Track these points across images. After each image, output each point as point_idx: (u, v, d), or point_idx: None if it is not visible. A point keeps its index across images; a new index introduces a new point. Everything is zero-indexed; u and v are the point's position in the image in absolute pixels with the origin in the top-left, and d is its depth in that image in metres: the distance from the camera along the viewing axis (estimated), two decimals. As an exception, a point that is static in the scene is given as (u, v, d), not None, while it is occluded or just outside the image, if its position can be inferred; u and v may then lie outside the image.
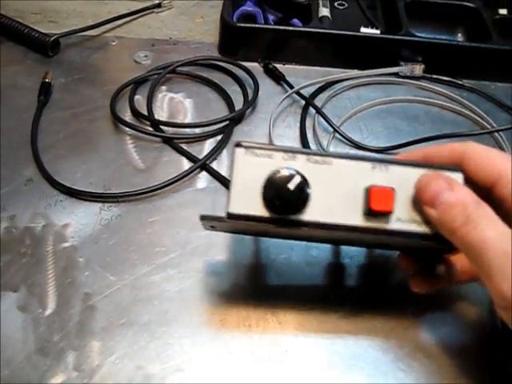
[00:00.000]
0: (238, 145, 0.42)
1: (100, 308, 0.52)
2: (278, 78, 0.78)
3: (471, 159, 0.44)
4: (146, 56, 0.80)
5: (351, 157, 0.43)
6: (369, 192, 0.41)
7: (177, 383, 0.48)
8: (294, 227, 0.42)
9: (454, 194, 0.40)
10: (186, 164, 0.66)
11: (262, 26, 0.81)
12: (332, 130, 0.70)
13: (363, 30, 0.83)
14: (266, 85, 0.78)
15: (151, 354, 0.49)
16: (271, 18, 0.85)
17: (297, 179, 0.41)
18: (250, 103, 0.73)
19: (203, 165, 0.65)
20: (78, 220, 0.59)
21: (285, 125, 0.73)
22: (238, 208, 0.42)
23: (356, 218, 0.42)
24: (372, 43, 0.80)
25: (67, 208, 0.60)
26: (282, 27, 0.80)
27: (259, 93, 0.75)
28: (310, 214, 0.42)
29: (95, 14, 0.88)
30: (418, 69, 0.80)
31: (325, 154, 0.43)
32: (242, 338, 0.51)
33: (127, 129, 0.70)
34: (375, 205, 0.41)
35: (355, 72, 0.79)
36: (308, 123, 0.73)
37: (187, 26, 0.87)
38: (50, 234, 0.58)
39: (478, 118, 0.75)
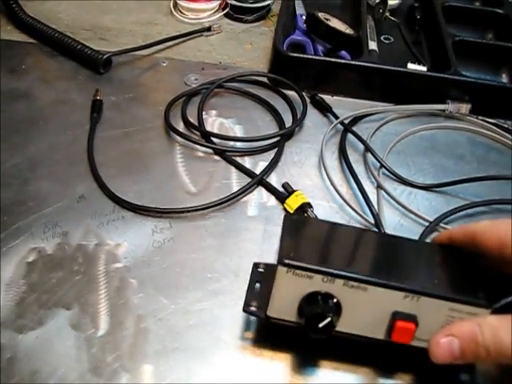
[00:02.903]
0: (281, 263, 0.45)
1: (153, 331, 0.52)
2: (325, 109, 0.79)
3: (478, 233, 0.47)
4: (196, 79, 0.81)
5: (386, 285, 0.45)
6: (393, 323, 0.46)
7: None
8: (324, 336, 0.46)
9: (458, 339, 0.43)
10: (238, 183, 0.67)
11: (312, 56, 0.82)
12: (379, 165, 0.70)
13: (410, 66, 0.83)
14: (313, 115, 0.78)
15: (204, 380, 0.49)
16: (320, 48, 0.85)
17: (328, 317, 0.45)
18: (301, 119, 0.75)
19: (260, 180, 0.66)
20: (131, 241, 0.59)
21: (332, 156, 0.73)
22: (274, 313, 0.48)
23: (380, 334, 0.47)
24: (420, 80, 0.81)
25: (119, 228, 0.60)
26: (333, 59, 0.80)
27: (305, 121, 0.76)
28: (340, 326, 0.46)
29: (145, 34, 0.89)
30: (465, 108, 0.80)
31: (362, 279, 0.45)
32: (309, 373, 0.51)
33: (178, 146, 0.71)
34: (396, 337, 0.46)
35: (401, 106, 0.79)
36: (355, 156, 0.73)
37: (236, 51, 0.88)
38: (102, 252, 0.58)
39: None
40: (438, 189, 0.69)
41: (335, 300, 0.46)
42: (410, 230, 0.62)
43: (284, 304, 0.47)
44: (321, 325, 0.45)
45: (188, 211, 0.62)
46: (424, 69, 0.82)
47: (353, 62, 0.81)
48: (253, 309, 0.50)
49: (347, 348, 0.50)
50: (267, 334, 0.52)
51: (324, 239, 0.51)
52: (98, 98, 0.75)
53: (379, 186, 0.68)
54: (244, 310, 0.50)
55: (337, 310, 0.46)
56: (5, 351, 0.50)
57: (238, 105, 0.78)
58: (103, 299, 0.54)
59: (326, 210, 0.65)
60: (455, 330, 0.44)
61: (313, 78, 0.81)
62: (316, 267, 0.45)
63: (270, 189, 0.66)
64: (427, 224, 0.63)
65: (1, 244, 0.58)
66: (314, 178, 0.69)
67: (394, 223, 0.64)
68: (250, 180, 0.66)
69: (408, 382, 0.50)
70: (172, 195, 0.64)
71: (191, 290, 0.55)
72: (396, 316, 0.46)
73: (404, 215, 0.66)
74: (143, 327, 0.52)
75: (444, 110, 0.80)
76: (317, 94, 0.80)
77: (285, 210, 0.63)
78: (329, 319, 0.45)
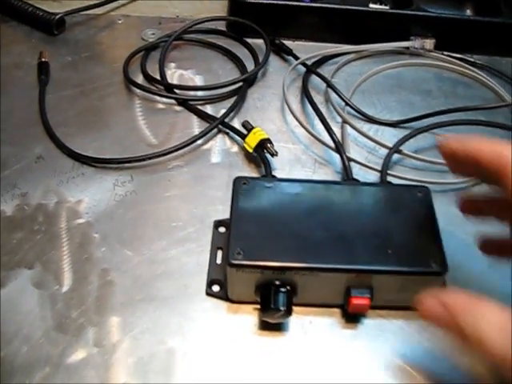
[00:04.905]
0: (230, 264, 0.45)
1: (119, 283, 0.51)
2: (286, 53, 0.78)
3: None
4: (153, 34, 0.79)
5: (336, 269, 0.46)
6: (348, 299, 0.46)
7: (199, 357, 0.47)
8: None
9: (443, 307, 0.39)
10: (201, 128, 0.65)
11: (271, 1, 0.79)
12: (344, 104, 0.69)
13: (372, 5, 0.81)
14: (275, 61, 0.78)
15: (173, 329, 0.48)
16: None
17: (280, 310, 0.46)
18: (263, 64, 0.73)
19: (222, 122, 0.65)
20: (92, 196, 0.58)
21: (296, 99, 0.72)
22: (235, 297, 0.49)
23: (338, 301, 0.48)
24: (382, 18, 0.79)
25: (80, 185, 0.59)
26: (291, 2, 0.78)
27: (267, 67, 0.75)
28: (298, 299, 0.48)
29: (99, -7, 0.86)
30: (429, 43, 0.78)
31: (311, 267, 0.46)
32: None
33: (138, 101, 0.70)
34: (352, 310, 0.47)
35: (364, 46, 0.77)
36: (319, 97, 0.72)
37: (194, 4, 0.85)
38: (63, 210, 0.57)
39: (491, 92, 0.74)
40: (405, 124, 0.68)
41: (288, 287, 0.46)
42: (377, 163, 0.61)
43: (242, 291, 0.48)
44: (276, 316, 0.46)
45: (149, 158, 0.61)
46: (386, 7, 0.80)
47: (313, 5, 0.79)
48: (215, 291, 0.50)
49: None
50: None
51: (274, 217, 0.49)
52: (44, 59, 0.73)
53: (344, 122, 0.66)
54: (207, 293, 0.50)
55: (291, 293, 0.47)
56: (-34, 314, 0.48)
57: (197, 56, 0.76)
58: (66, 256, 0.53)
59: (291, 152, 0.64)
60: (449, 300, 0.40)
61: (272, 23, 0.79)
62: (264, 264, 0.45)
63: (231, 129, 0.64)
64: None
65: (-42, 209, 0.55)
66: (278, 121, 0.67)
67: (361, 159, 0.62)
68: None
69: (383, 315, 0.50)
70: (133, 148, 0.62)
71: (156, 240, 0.54)
72: (350, 293, 0.46)
73: (370, 151, 0.65)
74: (108, 280, 0.51)
75: (408, 48, 0.78)
76: (276, 38, 0.77)
77: (244, 149, 0.62)
78: (282, 312, 0.45)
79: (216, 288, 0.51)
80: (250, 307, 0.50)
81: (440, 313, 0.39)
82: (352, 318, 0.50)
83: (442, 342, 0.48)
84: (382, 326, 0.49)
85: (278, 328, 0.49)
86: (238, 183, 0.51)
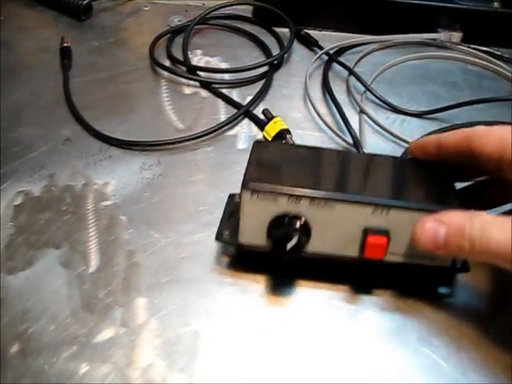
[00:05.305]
0: (245, 187, 0.44)
1: (145, 265, 0.51)
2: (312, 44, 0.77)
3: (476, 138, 0.44)
4: (179, 20, 0.79)
5: (353, 201, 0.44)
6: (365, 239, 0.44)
7: (224, 339, 0.46)
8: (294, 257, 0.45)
9: (445, 226, 0.41)
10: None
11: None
12: (363, 90, 0.69)
13: (399, -4, 0.80)
14: (301, 50, 0.78)
15: (199, 311, 0.48)
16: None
17: (294, 237, 0.44)
18: (288, 47, 0.74)
19: (247, 110, 0.65)
20: (119, 179, 0.58)
21: (320, 88, 0.72)
22: (245, 239, 0.47)
23: (353, 252, 0.46)
24: (410, 9, 0.79)
25: (107, 167, 0.59)
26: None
27: (293, 56, 0.75)
28: (311, 247, 0.45)
29: (126, -21, 0.86)
30: (457, 37, 0.78)
31: (328, 197, 0.44)
32: (292, 293, 0.50)
33: (164, 86, 0.70)
34: (369, 253, 0.45)
35: (390, 36, 0.77)
36: (342, 87, 0.72)
37: (221, -8, 0.85)
38: (90, 192, 0.57)
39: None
40: (431, 115, 0.67)
41: (303, 220, 0.44)
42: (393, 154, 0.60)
43: (253, 229, 0.46)
44: (288, 245, 0.44)
45: (178, 142, 0.61)
46: (413, -2, 0.79)
47: (340, -6, 0.78)
48: (225, 237, 0.49)
49: (323, 269, 0.49)
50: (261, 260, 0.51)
51: (291, 161, 0.49)
52: (66, 44, 0.74)
53: (361, 111, 0.66)
54: (216, 238, 0.49)
55: (305, 230, 0.45)
56: (-6, 293, 0.48)
57: (223, 43, 0.77)
58: (93, 237, 0.53)
59: (316, 140, 0.63)
60: (445, 217, 0.41)
61: (298, 12, 0.79)
62: (279, 187, 0.44)
63: (253, 118, 0.64)
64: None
65: (-14, 190, 0.56)
66: (303, 110, 0.67)
67: (378, 148, 0.62)
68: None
69: (385, 297, 0.49)
70: (160, 133, 0.62)
71: (182, 223, 0.54)
72: (367, 232, 0.45)
73: (388, 140, 0.65)
74: (135, 262, 0.51)
75: (435, 40, 0.78)
76: (302, 29, 0.77)
77: (264, 137, 0.62)
78: (295, 239, 0.44)
79: (226, 233, 0.50)
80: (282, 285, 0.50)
81: (445, 232, 0.40)
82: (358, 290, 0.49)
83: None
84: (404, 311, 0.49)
85: (308, 312, 0.48)
86: (258, 143, 0.51)
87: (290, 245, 0.44)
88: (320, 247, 0.46)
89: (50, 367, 0.44)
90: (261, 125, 0.63)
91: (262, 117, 0.65)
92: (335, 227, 0.45)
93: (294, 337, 0.47)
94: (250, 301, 0.49)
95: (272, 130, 0.61)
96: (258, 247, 0.47)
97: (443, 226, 0.41)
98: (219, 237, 0.49)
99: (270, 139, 0.61)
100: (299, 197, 0.44)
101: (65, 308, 0.48)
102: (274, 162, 0.49)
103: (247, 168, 0.47)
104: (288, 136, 0.61)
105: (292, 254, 0.44)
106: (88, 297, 0.49)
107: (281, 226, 0.44)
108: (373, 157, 0.53)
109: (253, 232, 0.46)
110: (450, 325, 0.47)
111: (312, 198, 0.44)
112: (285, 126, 0.61)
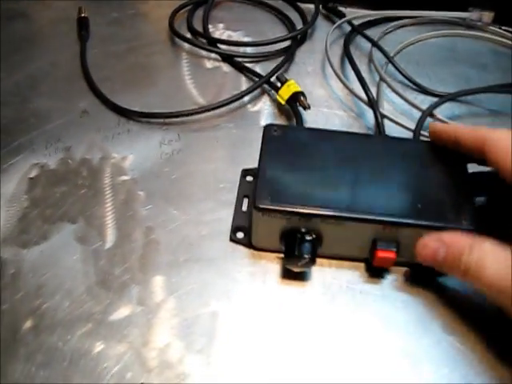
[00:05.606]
0: (256, 208, 0.44)
1: (163, 242, 0.50)
2: (338, 17, 0.75)
3: (490, 144, 0.44)
4: (202, -7, 0.77)
5: (364, 220, 0.44)
6: (374, 252, 0.45)
7: (242, 320, 0.45)
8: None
9: (445, 247, 0.42)
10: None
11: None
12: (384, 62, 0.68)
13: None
14: (327, 27, 0.74)
15: (218, 291, 0.46)
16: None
17: (307, 254, 0.45)
18: (312, 22, 0.72)
19: (267, 81, 0.63)
20: (137, 153, 0.56)
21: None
22: (259, 244, 0.48)
23: (363, 254, 0.47)
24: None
25: (125, 141, 0.57)
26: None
27: (319, 33, 0.73)
28: (323, 250, 0.47)
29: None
30: (488, 16, 0.75)
31: (339, 215, 0.44)
32: (313, 275, 0.48)
33: (185, 59, 0.69)
34: (377, 264, 0.46)
35: (418, 12, 0.75)
36: (364, 59, 0.71)
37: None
38: (107, 166, 0.55)
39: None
40: (461, 98, 0.65)
41: (314, 235, 0.45)
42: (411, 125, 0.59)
43: (266, 237, 0.47)
44: (300, 263, 0.45)
45: (196, 113, 0.59)
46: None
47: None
48: (239, 237, 0.49)
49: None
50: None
51: (302, 165, 0.48)
52: (83, 15, 0.72)
53: (381, 79, 0.65)
54: (231, 239, 0.49)
55: (316, 242, 0.45)
56: (8, 266, 0.47)
57: (247, 17, 0.75)
58: (110, 212, 0.51)
59: (343, 119, 0.62)
60: (447, 239, 0.42)
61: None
62: (290, 207, 0.44)
63: (276, 89, 0.62)
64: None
65: (1, 161, 0.54)
66: (328, 87, 0.66)
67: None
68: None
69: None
70: (180, 107, 0.60)
71: (203, 200, 0.52)
72: (376, 245, 0.45)
73: (404, 113, 0.63)
74: (153, 239, 0.49)
75: (465, 19, 0.75)
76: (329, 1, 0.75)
77: (277, 102, 0.61)
78: (307, 258, 0.44)
79: (240, 235, 0.50)
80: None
81: (444, 253, 0.41)
82: (377, 272, 0.48)
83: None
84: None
85: (328, 293, 0.47)
86: (268, 130, 0.50)
87: (301, 263, 0.45)
88: (331, 251, 0.47)
89: (64, 344, 0.43)
90: (275, 88, 0.62)
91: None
92: (345, 238, 0.46)
93: (315, 320, 0.45)
94: (271, 282, 0.47)
95: (285, 93, 0.60)
96: (272, 250, 0.48)
97: (444, 247, 0.42)
98: (233, 237, 0.50)
99: (283, 102, 0.60)
100: (310, 215, 0.44)
101: (80, 284, 0.46)
102: (284, 170, 0.47)
103: (257, 182, 0.46)
104: (302, 98, 0.59)
105: (303, 268, 0.45)
106: (104, 273, 0.47)
107: (292, 241, 0.45)
108: (389, 147, 0.51)
109: (266, 239, 0.48)
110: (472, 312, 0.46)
111: (323, 217, 0.44)
112: (298, 89, 0.60)
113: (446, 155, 0.48)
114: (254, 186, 0.47)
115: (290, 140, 0.49)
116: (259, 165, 0.47)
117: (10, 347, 0.42)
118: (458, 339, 0.44)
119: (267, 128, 0.50)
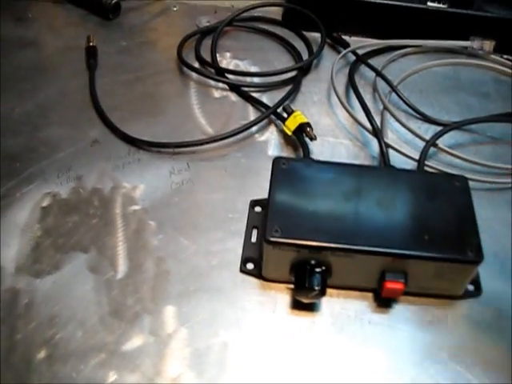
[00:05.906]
0: (267, 241, 0.45)
1: (174, 272, 0.50)
2: (343, 46, 0.76)
3: None
4: (208, 21, 0.78)
5: (373, 252, 0.45)
6: (382, 283, 0.46)
7: (253, 350, 0.46)
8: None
9: None
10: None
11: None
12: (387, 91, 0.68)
13: (430, 4, 0.79)
14: (332, 56, 0.76)
15: (228, 321, 0.47)
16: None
17: (317, 287, 0.46)
18: (318, 52, 0.73)
19: (274, 112, 0.64)
20: (148, 183, 0.57)
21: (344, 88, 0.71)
22: (269, 276, 0.49)
23: (372, 285, 0.48)
24: (441, 17, 0.77)
25: (136, 171, 0.58)
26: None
27: (324, 62, 0.74)
28: (332, 281, 0.47)
29: (154, -21, 0.85)
30: (489, 45, 0.76)
31: (348, 249, 0.45)
32: (322, 305, 0.49)
33: (193, 89, 0.69)
34: (386, 295, 0.47)
35: (420, 41, 0.76)
36: (368, 88, 0.72)
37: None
38: (118, 195, 0.56)
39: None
40: (464, 127, 0.66)
41: (323, 267, 0.46)
42: (415, 155, 0.60)
43: (276, 269, 0.48)
44: (310, 296, 0.46)
45: (206, 143, 0.60)
46: (444, 6, 0.78)
47: (372, 0, 0.77)
48: (250, 268, 0.50)
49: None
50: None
51: (312, 197, 0.49)
52: (91, 43, 0.73)
53: (385, 108, 0.66)
54: (241, 270, 0.50)
55: (326, 274, 0.46)
56: (22, 296, 0.48)
57: (253, 46, 0.76)
58: (121, 242, 0.52)
59: (348, 149, 0.63)
60: None
61: (329, 16, 0.77)
62: (301, 242, 0.45)
63: (282, 120, 0.63)
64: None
65: (14, 190, 0.55)
66: (334, 116, 0.66)
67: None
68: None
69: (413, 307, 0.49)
70: (189, 136, 0.61)
71: (213, 230, 0.53)
72: (385, 276, 0.46)
73: (408, 142, 0.64)
74: (164, 269, 0.50)
75: (466, 48, 0.76)
76: (333, 31, 0.77)
77: (284, 132, 0.62)
78: (316, 292, 0.45)
79: (250, 266, 0.51)
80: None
81: None
82: (386, 302, 0.49)
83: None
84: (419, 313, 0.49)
85: (337, 324, 0.48)
86: (277, 163, 0.51)
87: (311, 295, 0.45)
88: (339, 282, 0.48)
89: (77, 374, 0.44)
90: (281, 119, 0.63)
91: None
92: (355, 270, 0.47)
93: (325, 351, 0.46)
94: (280, 312, 0.48)
95: (292, 124, 0.61)
96: (281, 281, 0.49)
97: None
98: (243, 268, 0.50)
99: (290, 133, 0.61)
100: (320, 248, 0.45)
101: (93, 314, 0.47)
102: (293, 203, 0.48)
103: (267, 215, 0.47)
104: (308, 129, 0.60)
105: (314, 299, 0.46)
106: (116, 303, 0.48)
107: (303, 273, 0.46)
108: (395, 179, 0.52)
109: (276, 270, 0.48)
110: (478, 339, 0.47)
111: (332, 249, 0.45)
112: (304, 120, 0.61)
113: (450, 186, 0.49)
114: (263, 217, 0.48)
115: (298, 173, 0.50)
116: (269, 198, 0.48)
117: (23, 377, 0.43)
118: (466, 368, 0.45)
119: (276, 161, 0.51)
